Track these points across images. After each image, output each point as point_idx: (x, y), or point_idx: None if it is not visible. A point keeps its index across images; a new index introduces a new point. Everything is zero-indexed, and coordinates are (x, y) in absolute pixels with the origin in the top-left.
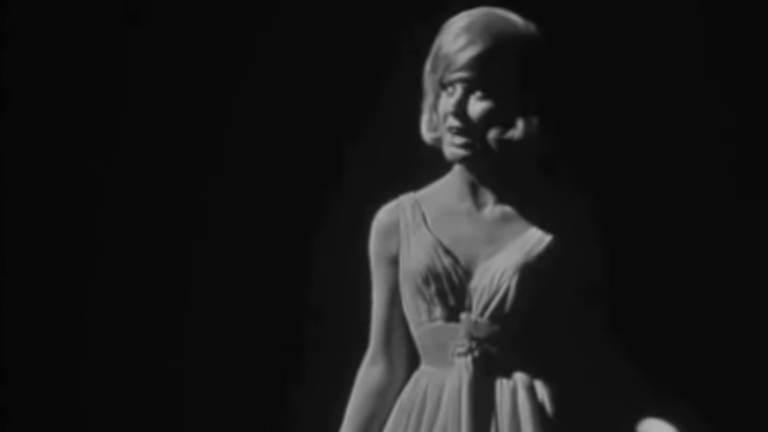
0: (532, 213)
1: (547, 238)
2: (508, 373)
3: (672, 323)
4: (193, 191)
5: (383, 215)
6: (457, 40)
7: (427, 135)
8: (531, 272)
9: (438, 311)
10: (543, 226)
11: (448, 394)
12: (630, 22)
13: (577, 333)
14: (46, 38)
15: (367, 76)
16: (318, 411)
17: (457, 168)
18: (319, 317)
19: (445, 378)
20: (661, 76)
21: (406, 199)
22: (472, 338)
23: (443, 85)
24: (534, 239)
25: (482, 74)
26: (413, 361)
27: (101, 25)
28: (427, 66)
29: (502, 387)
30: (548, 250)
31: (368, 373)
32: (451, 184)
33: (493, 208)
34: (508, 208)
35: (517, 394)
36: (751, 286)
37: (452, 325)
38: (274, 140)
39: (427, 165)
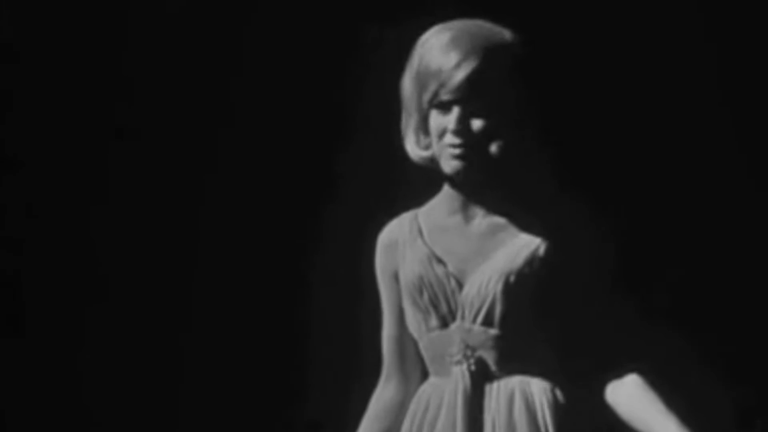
0: (521, 221)
1: (534, 243)
2: (504, 379)
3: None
4: (193, 197)
5: (385, 233)
6: (447, 56)
7: (416, 155)
8: (516, 277)
9: (433, 321)
10: (531, 232)
11: (446, 403)
12: (625, 25)
13: (575, 335)
14: (45, 40)
15: (355, 86)
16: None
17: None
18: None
19: (444, 387)
20: (658, 79)
21: (405, 216)
22: (466, 346)
23: (435, 104)
24: (520, 245)
25: (479, 91)
26: (427, 375)
27: (98, 30)
28: (409, 84)
29: (499, 393)
30: (534, 255)
31: (383, 391)
32: (443, 200)
33: (481, 221)
34: (496, 220)
35: (514, 399)
36: (755, 278)
37: (447, 333)
38: (264, 155)
39: (420, 174)
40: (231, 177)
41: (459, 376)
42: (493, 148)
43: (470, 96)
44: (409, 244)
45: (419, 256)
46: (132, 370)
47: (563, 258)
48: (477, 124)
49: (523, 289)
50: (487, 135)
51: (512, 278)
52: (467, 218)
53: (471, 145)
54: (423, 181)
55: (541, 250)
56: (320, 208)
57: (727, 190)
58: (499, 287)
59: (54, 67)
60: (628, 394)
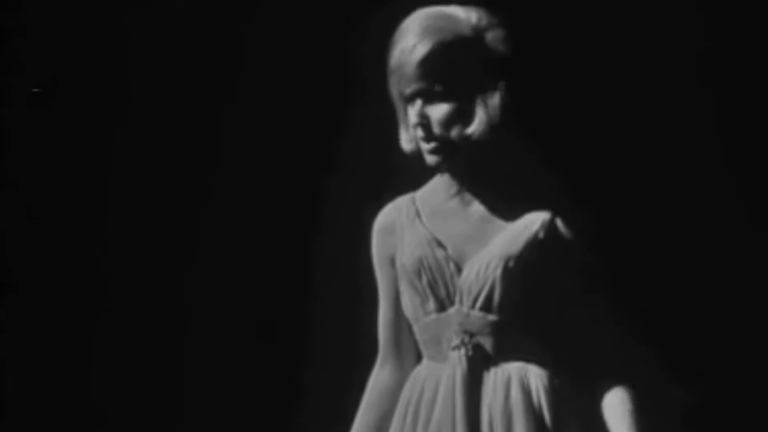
0: (514, 207)
1: (531, 229)
2: (501, 365)
3: (666, 309)
4: (192, 192)
5: (381, 217)
6: (402, 51)
7: (406, 147)
8: (515, 262)
9: (431, 304)
10: (525, 218)
11: (443, 388)
12: (616, 16)
13: (570, 321)
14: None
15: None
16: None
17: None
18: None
19: (441, 372)
20: (638, 70)
21: (402, 200)
22: (464, 331)
23: (404, 98)
24: (517, 231)
25: (432, 79)
26: (421, 359)
27: (100, 28)
28: (389, 80)
29: (496, 378)
30: (531, 240)
31: (378, 375)
32: (441, 183)
33: (478, 206)
34: (492, 205)
35: (511, 385)
36: (745, 284)
37: (445, 317)
38: (263, 150)
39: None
40: (231, 171)
41: (456, 361)
42: (453, 132)
43: (424, 86)
44: (408, 228)
45: (419, 239)
46: (132, 365)
47: (561, 244)
48: (435, 112)
49: (522, 274)
50: (447, 122)
51: (511, 263)
52: (465, 202)
53: (436, 136)
54: (420, 167)
55: (541, 235)
56: (320, 204)
57: (717, 193)
58: (498, 272)
59: (56, 65)
60: (607, 403)
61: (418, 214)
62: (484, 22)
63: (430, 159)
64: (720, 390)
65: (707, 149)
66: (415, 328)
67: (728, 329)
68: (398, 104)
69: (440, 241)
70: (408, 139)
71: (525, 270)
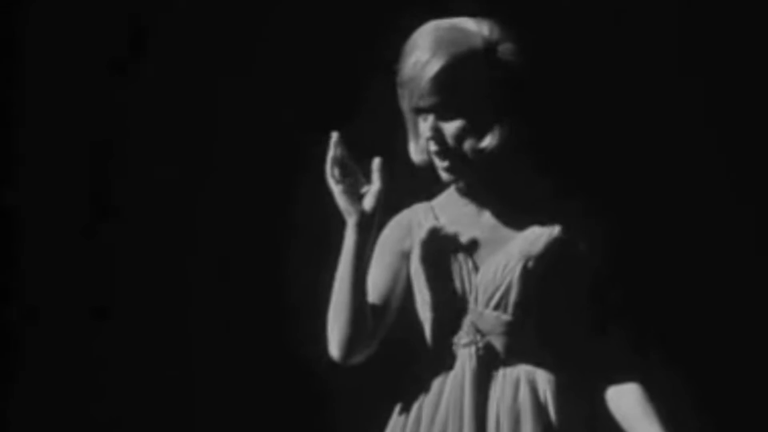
0: (525, 219)
1: (547, 233)
2: (511, 365)
3: (670, 314)
4: (191, 193)
5: (398, 217)
6: (415, 64)
7: (417, 158)
8: (532, 264)
9: (446, 302)
10: (542, 225)
11: (450, 385)
12: (616, 22)
13: (581, 325)
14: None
15: (353, 78)
16: None
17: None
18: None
19: (448, 371)
20: (643, 76)
21: (420, 206)
22: (476, 330)
23: (415, 111)
24: (534, 235)
25: (446, 94)
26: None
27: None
28: (399, 91)
29: (505, 378)
30: (551, 243)
31: None
32: (454, 193)
33: (489, 216)
34: (502, 216)
35: (519, 386)
36: (746, 282)
37: (458, 315)
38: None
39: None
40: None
41: (466, 358)
42: (466, 146)
43: (438, 101)
44: (426, 228)
45: (438, 238)
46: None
47: (574, 251)
48: (449, 128)
49: (540, 276)
50: (461, 137)
51: (530, 263)
52: (480, 210)
53: (450, 151)
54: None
55: (560, 239)
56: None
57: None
58: (517, 272)
59: (57, 61)
60: (628, 404)
61: (436, 219)
62: (496, 35)
63: (445, 176)
64: (727, 387)
65: (714, 159)
66: (425, 326)
67: (738, 331)
68: (408, 116)
69: (459, 241)
70: (419, 150)
71: (543, 272)
